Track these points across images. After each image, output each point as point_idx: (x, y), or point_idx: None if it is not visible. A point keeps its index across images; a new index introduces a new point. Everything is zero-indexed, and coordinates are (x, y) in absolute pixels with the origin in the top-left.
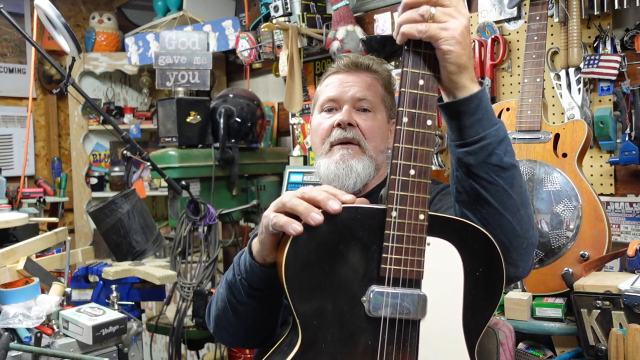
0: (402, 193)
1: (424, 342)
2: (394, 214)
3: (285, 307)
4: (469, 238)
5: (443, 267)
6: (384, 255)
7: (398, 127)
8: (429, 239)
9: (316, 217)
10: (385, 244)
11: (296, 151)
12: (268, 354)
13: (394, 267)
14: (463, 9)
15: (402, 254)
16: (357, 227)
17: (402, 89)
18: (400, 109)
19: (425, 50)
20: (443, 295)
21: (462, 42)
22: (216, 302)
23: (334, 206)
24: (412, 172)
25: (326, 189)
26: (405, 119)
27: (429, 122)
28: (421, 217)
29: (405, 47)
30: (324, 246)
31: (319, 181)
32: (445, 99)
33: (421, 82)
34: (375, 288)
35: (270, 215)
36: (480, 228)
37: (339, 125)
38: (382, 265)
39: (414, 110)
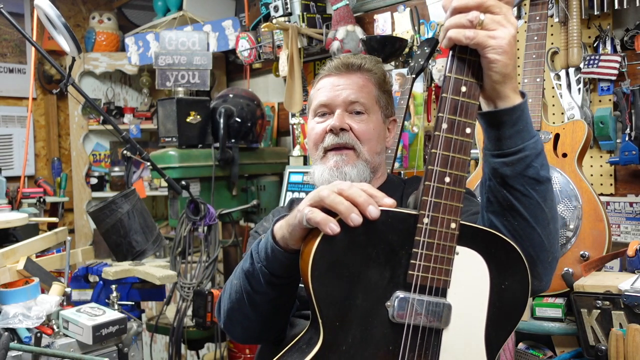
0: (435, 200)
1: (445, 352)
2: (425, 220)
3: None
4: (498, 250)
5: (470, 278)
6: (412, 261)
7: (437, 132)
8: (458, 248)
9: (356, 219)
10: (414, 250)
11: (296, 151)
12: (285, 350)
13: (422, 274)
14: (512, 17)
15: (430, 261)
16: (387, 231)
17: (444, 95)
18: (441, 114)
19: (470, 57)
20: (468, 306)
21: (509, 51)
22: (229, 295)
23: (373, 213)
24: (447, 179)
25: (365, 189)
26: (444, 125)
27: (468, 130)
28: (453, 225)
29: (451, 52)
30: (353, 247)
31: (314, 185)
32: (486, 108)
33: (464, 88)
34: (400, 294)
35: (306, 210)
36: (510, 241)
37: (331, 130)
38: (410, 272)
39: (454, 117)
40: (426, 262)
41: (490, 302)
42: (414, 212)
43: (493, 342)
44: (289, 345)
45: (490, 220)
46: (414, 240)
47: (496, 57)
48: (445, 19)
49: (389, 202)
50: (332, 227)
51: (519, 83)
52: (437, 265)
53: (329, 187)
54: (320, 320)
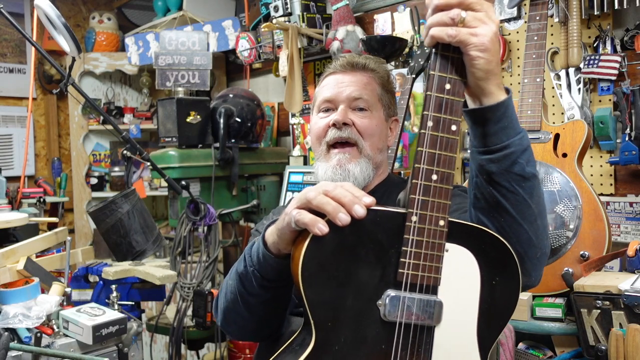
0: (423, 198)
1: (437, 349)
2: (414, 218)
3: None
4: (487, 246)
5: (460, 275)
6: (402, 259)
7: (422, 131)
8: (448, 245)
9: (344, 218)
10: (403, 248)
11: (296, 151)
12: (279, 351)
13: (412, 272)
14: (493, 14)
15: (420, 259)
16: (376, 230)
17: (428, 93)
18: (426, 112)
19: (453, 54)
20: (459, 303)
21: (492, 48)
22: (225, 294)
23: (359, 212)
24: (434, 177)
25: (349, 189)
26: (430, 123)
27: (454, 127)
28: (441, 223)
29: (434, 50)
30: (342, 247)
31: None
32: (471, 105)
33: (448, 86)
34: (391, 292)
35: (294, 212)
36: (499, 237)
37: (334, 125)
38: (400, 270)
39: (439, 115)
40: (416, 260)
41: (482, 298)
42: (402, 210)
43: (485, 338)
44: (283, 347)
45: (478, 216)
46: (403, 239)
47: (478, 54)
48: (427, 17)
49: (368, 201)
50: (321, 227)
51: (519, 83)
52: (427, 263)
53: (315, 188)
54: (312, 321)
